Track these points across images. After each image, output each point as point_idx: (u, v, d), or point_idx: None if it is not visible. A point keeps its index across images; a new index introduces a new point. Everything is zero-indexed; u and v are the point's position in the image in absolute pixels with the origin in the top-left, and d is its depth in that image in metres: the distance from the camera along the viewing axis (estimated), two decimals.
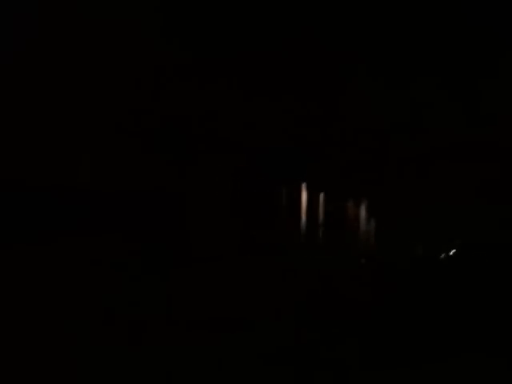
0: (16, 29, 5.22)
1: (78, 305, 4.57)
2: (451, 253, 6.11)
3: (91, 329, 4.25)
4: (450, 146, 6.54)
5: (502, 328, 4.70)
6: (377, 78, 5.84)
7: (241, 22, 5.59)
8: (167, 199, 5.70)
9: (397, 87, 5.91)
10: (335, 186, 6.84)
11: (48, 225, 5.27)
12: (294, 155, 6.28)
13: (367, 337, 4.47)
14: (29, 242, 5.03)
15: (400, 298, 5.19)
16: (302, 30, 5.55)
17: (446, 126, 6.15)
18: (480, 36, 5.81)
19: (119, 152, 5.57)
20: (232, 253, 5.44)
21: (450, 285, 5.40)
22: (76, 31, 5.37)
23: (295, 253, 5.98)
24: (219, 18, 5.60)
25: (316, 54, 5.72)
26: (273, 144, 6.05)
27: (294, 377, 3.79)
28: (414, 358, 4.13)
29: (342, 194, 7.28)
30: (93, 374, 3.70)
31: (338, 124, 6.13)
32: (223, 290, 4.97)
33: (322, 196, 7.66)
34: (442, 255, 6.05)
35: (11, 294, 4.52)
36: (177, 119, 5.71)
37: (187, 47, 5.57)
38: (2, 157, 5.26)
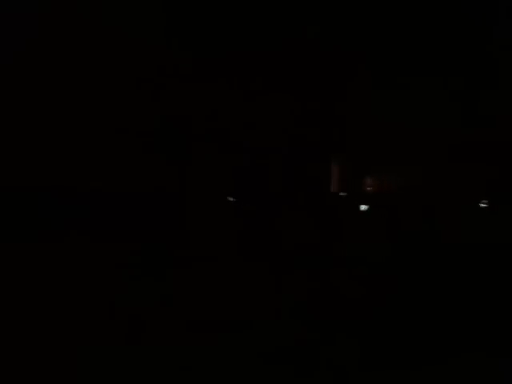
0: (15, 28, 5.21)
1: (77, 305, 4.57)
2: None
3: (91, 329, 4.25)
4: (450, 146, 6.55)
5: (501, 328, 4.70)
6: (377, 78, 5.84)
7: (240, 22, 5.58)
8: (167, 199, 5.70)
9: (397, 87, 5.90)
10: (335, 186, 6.84)
11: (47, 225, 5.27)
12: (293, 155, 6.28)
13: (367, 337, 4.47)
14: (28, 242, 5.02)
15: (400, 297, 5.19)
16: (302, 29, 5.55)
17: (446, 126, 6.15)
18: (480, 36, 5.81)
19: (119, 152, 5.57)
20: (232, 253, 5.44)
21: (449, 284, 5.40)
22: (75, 31, 5.37)
23: (296, 252, 5.97)
24: (219, 18, 5.59)
25: (316, 53, 5.72)
26: (273, 144, 6.05)
27: (294, 377, 3.79)
28: (414, 358, 4.12)
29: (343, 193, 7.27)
30: (92, 373, 3.69)
31: (338, 124, 6.13)
32: (223, 289, 4.97)
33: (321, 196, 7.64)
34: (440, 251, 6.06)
35: (11, 293, 4.52)
36: (177, 119, 5.71)
37: (187, 47, 5.56)
38: (2, 157, 5.26)
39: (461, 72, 5.98)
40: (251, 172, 6.03)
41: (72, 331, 4.20)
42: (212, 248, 5.41)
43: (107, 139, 5.55)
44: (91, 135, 5.52)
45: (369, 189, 6.51)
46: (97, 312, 4.50)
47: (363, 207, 6.30)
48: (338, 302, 5.04)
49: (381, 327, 4.64)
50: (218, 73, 5.67)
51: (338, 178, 6.45)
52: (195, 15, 5.57)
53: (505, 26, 5.78)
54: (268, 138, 5.95)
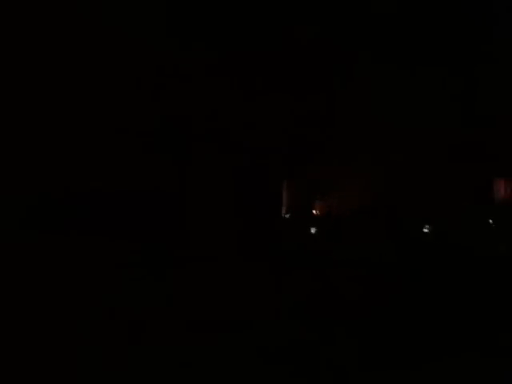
0: (13, 27, 5.21)
1: (77, 305, 4.57)
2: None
3: (90, 329, 4.25)
4: (450, 146, 6.54)
5: (501, 328, 4.70)
6: (377, 78, 5.84)
7: (241, 22, 5.59)
8: (167, 199, 5.70)
9: (396, 87, 5.91)
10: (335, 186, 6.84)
11: (47, 225, 5.27)
12: (294, 155, 6.28)
13: (367, 337, 4.46)
14: (27, 242, 5.03)
15: (400, 297, 5.19)
16: (303, 29, 5.55)
17: (446, 126, 6.16)
18: (480, 35, 5.81)
19: (119, 152, 5.57)
20: (232, 253, 5.44)
21: (449, 284, 5.41)
22: (74, 31, 5.37)
23: (295, 253, 5.98)
24: (219, 18, 5.60)
25: (316, 54, 5.72)
26: (273, 144, 6.05)
27: (294, 377, 3.79)
28: (414, 358, 4.13)
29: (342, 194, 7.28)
30: (92, 373, 3.69)
31: (338, 124, 6.13)
32: (223, 289, 4.97)
33: (321, 196, 7.64)
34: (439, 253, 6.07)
35: (10, 294, 4.52)
36: (177, 119, 5.71)
37: (187, 47, 5.57)
38: (2, 157, 5.26)
39: (460, 72, 5.98)
40: (251, 172, 6.04)
41: (71, 331, 4.20)
42: (212, 248, 5.41)
43: (107, 139, 5.55)
44: (91, 135, 5.52)
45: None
46: (96, 312, 4.50)
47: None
48: (337, 301, 5.05)
49: (381, 327, 4.64)
50: (217, 73, 5.67)
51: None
52: (195, 15, 5.58)
53: (505, 26, 5.78)
54: (268, 138, 5.96)
